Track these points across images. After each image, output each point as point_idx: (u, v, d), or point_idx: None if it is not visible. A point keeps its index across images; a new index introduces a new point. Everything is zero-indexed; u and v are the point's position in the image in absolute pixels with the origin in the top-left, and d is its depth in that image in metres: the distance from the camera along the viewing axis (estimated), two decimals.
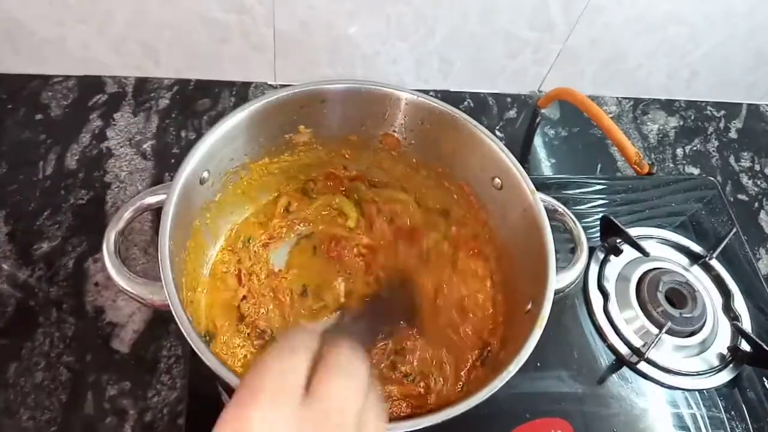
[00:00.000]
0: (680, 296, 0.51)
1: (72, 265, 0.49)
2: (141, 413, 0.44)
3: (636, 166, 0.58)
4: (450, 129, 0.45)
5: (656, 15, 0.63)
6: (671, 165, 0.70)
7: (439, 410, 0.33)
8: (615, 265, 0.54)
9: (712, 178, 0.65)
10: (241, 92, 0.64)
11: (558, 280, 0.39)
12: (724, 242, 0.56)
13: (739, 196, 0.69)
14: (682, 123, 0.74)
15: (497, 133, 0.67)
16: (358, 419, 0.23)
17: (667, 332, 0.49)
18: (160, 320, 0.48)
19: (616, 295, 0.52)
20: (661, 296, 0.50)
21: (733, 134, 0.75)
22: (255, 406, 0.21)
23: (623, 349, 0.49)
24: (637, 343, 0.49)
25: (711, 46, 0.68)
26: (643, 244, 0.53)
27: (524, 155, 0.67)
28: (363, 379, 0.24)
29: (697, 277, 0.55)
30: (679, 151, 0.72)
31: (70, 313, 0.47)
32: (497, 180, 0.45)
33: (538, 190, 0.42)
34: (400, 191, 0.51)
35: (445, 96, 0.69)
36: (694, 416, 0.48)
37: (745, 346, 0.51)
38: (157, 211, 0.38)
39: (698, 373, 0.49)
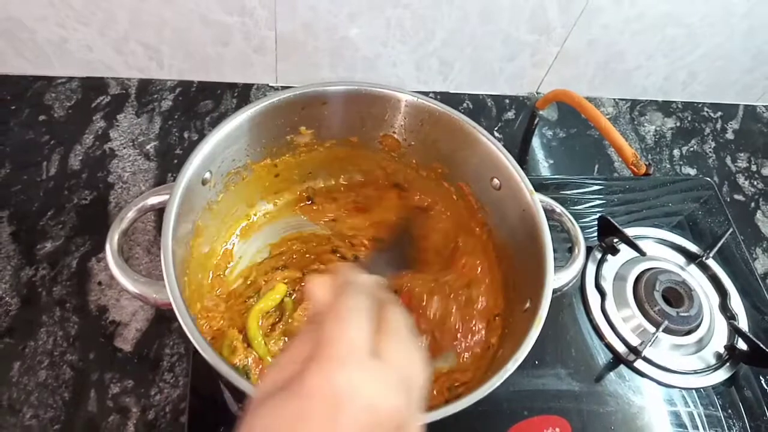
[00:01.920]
0: (677, 295, 0.52)
1: (75, 265, 0.50)
2: (144, 411, 0.44)
3: (633, 167, 0.59)
4: (449, 130, 0.46)
5: (655, 16, 0.64)
6: (668, 166, 0.71)
7: (437, 408, 0.33)
8: (612, 264, 0.55)
9: (708, 179, 0.65)
10: (243, 94, 0.65)
11: (556, 279, 0.40)
12: (721, 242, 0.57)
13: (736, 197, 0.70)
14: (678, 124, 0.75)
15: (496, 134, 0.68)
16: (420, 380, 0.25)
17: (664, 331, 0.49)
18: (163, 319, 0.48)
19: (614, 294, 0.52)
20: (657, 295, 0.51)
21: (729, 135, 0.76)
22: (338, 368, 0.22)
23: (620, 348, 0.50)
24: (635, 341, 0.50)
25: (709, 46, 0.69)
26: (640, 243, 0.54)
27: (522, 156, 0.67)
28: (417, 344, 0.26)
29: (694, 276, 0.55)
30: (676, 152, 0.72)
31: (73, 312, 0.48)
32: (496, 180, 0.45)
33: (536, 190, 0.43)
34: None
35: (445, 98, 0.70)
36: (691, 414, 0.48)
37: (741, 345, 0.51)
38: (159, 211, 0.38)
39: (695, 372, 0.50)
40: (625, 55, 0.69)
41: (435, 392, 0.43)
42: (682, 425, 0.47)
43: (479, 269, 0.49)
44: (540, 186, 0.51)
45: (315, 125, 0.47)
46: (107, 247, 0.37)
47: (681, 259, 0.57)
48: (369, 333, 0.23)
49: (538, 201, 0.42)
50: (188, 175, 0.39)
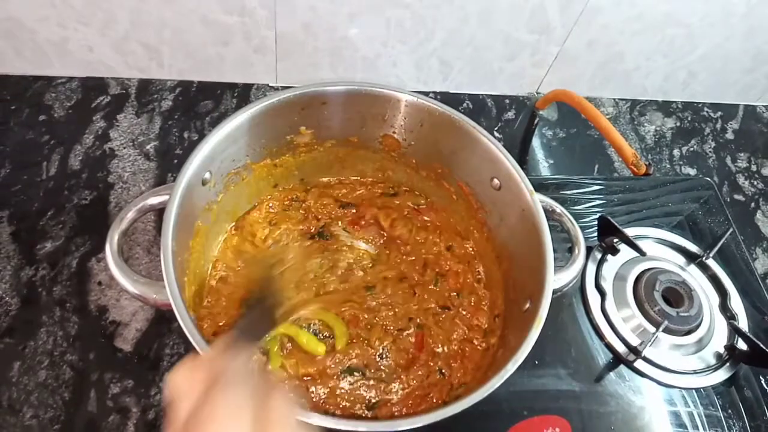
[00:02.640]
0: (677, 295, 0.52)
1: (75, 265, 0.50)
2: (144, 411, 0.44)
3: (633, 167, 0.59)
4: (449, 130, 0.46)
5: (654, 16, 0.64)
6: (668, 165, 0.71)
7: (437, 408, 0.33)
8: (612, 264, 0.55)
9: (708, 179, 0.65)
10: (243, 94, 0.65)
11: (556, 279, 0.40)
12: (721, 242, 0.57)
13: (736, 197, 0.70)
14: (678, 124, 0.75)
15: (496, 134, 0.68)
16: None
17: (664, 331, 0.49)
18: (163, 319, 0.48)
19: (614, 294, 0.52)
20: (657, 295, 0.51)
21: (729, 135, 0.76)
22: None
23: (620, 348, 0.50)
24: (635, 341, 0.50)
25: (709, 47, 0.69)
26: (640, 243, 0.53)
27: (522, 156, 0.67)
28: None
29: (694, 276, 0.55)
30: (676, 152, 0.72)
31: (73, 312, 0.48)
32: (496, 180, 0.45)
33: (536, 190, 0.43)
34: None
35: (445, 98, 0.70)
36: (691, 414, 0.48)
37: (741, 345, 0.51)
38: (159, 211, 0.38)
39: (695, 372, 0.50)
40: (624, 55, 0.69)
41: (435, 399, 0.43)
42: (682, 425, 0.47)
43: (477, 272, 0.49)
44: (540, 186, 0.51)
45: (315, 125, 0.47)
46: (107, 247, 0.37)
47: (681, 259, 0.57)
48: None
49: (538, 201, 0.42)
50: (188, 175, 0.39)
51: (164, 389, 0.23)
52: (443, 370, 0.44)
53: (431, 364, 0.45)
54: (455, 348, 0.45)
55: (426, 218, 0.52)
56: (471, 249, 0.51)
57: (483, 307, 0.48)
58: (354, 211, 0.51)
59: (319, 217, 0.51)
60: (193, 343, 0.33)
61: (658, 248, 0.57)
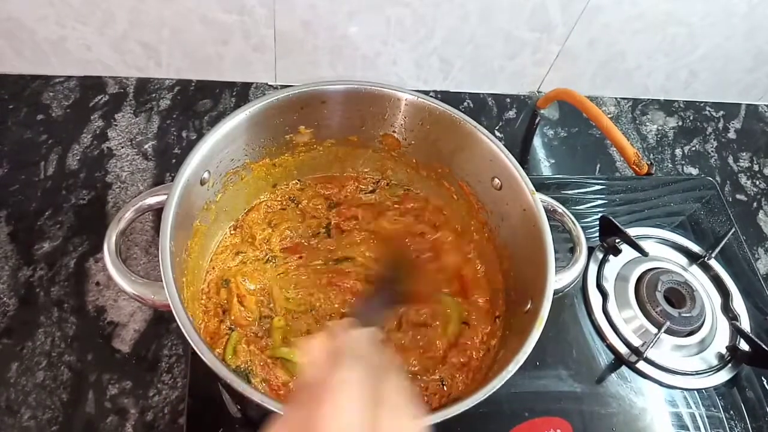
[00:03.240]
0: (679, 296, 0.52)
1: (73, 265, 0.50)
2: (142, 412, 0.44)
3: (635, 167, 0.59)
4: (450, 129, 0.46)
5: (655, 15, 0.64)
6: (670, 165, 0.70)
7: (438, 410, 0.33)
8: (614, 264, 0.54)
9: (710, 179, 0.65)
10: (242, 93, 0.65)
11: (557, 279, 0.39)
12: (723, 242, 0.56)
13: (738, 196, 0.69)
14: (680, 123, 0.75)
15: (497, 133, 0.68)
16: None
17: (665, 332, 0.49)
18: (162, 319, 0.48)
19: (615, 295, 0.52)
20: (659, 296, 0.51)
21: (731, 134, 0.75)
22: None
23: (622, 349, 0.49)
24: (636, 342, 0.49)
25: (710, 46, 0.69)
26: (642, 243, 0.53)
27: (523, 155, 0.67)
28: (419, 418, 0.25)
29: (696, 276, 0.55)
30: (678, 152, 0.72)
31: (71, 312, 0.47)
32: (497, 180, 0.45)
33: (537, 190, 0.42)
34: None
35: (445, 96, 0.69)
36: (693, 415, 0.48)
37: (743, 346, 0.51)
38: (158, 211, 0.38)
39: (697, 373, 0.50)
40: (626, 54, 0.69)
41: (433, 406, 0.42)
42: (684, 426, 0.47)
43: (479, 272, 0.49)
44: (541, 186, 0.51)
45: (314, 124, 0.47)
46: (105, 247, 0.37)
47: (683, 260, 0.56)
48: (363, 413, 0.22)
49: (539, 201, 0.42)
50: (186, 175, 0.39)
51: (301, 352, 0.26)
52: (444, 381, 0.44)
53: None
54: (456, 360, 0.44)
55: (411, 205, 0.52)
56: (458, 227, 0.50)
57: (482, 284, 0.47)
58: (337, 211, 0.51)
59: (316, 216, 0.51)
60: (192, 344, 0.33)
61: (660, 248, 0.57)
